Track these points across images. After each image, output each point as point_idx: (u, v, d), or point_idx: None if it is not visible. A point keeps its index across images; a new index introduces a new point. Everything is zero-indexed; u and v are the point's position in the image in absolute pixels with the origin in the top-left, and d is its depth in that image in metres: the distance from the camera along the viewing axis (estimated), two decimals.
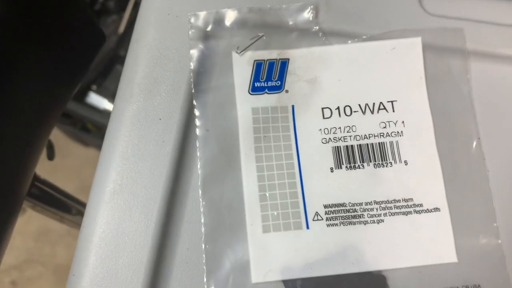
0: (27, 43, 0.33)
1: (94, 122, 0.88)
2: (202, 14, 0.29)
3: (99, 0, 0.89)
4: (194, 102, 0.28)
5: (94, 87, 0.88)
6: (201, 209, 0.27)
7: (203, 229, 0.26)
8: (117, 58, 0.87)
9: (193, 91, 0.28)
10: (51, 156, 0.47)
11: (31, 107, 0.35)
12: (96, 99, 0.88)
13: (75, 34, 0.38)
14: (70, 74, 0.39)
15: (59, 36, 0.35)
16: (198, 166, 0.27)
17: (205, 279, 0.26)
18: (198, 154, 0.27)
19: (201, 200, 0.27)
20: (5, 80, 0.32)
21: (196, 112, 0.28)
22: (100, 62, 0.86)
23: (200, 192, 0.27)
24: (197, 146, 0.28)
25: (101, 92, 0.88)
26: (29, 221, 0.99)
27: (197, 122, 0.28)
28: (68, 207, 0.51)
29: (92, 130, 0.93)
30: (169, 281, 0.26)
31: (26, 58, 0.33)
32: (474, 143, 0.28)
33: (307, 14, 0.29)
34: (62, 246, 0.98)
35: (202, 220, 0.27)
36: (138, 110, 0.28)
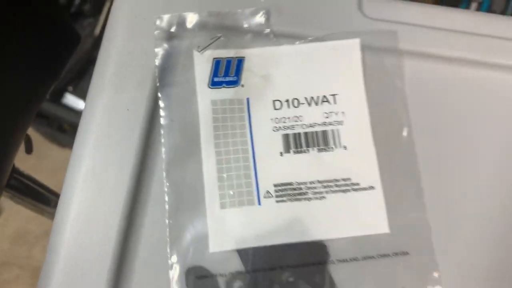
0: (4, 41, 0.36)
1: (70, 122, 0.90)
2: (167, 17, 0.32)
3: (75, 3, 0.91)
4: (159, 95, 0.31)
5: (70, 88, 0.90)
6: (165, 189, 0.30)
7: (167, 207, 0.30)
8: (93, 60, 0.88)
9: (158, 85, 0.31)
10: (29, 150, 0.50)
11: (8, 102, 0.38)
12: (72, 100, 0.90)
13: (50, 35, 0.42)
14: (46, 72, 0.42)
15: (35, 35, 0.39)
16: (163, 152, 0.31)
17: (168, 250, 0.29)
18: (162, 141, 0.31)
19: (165, 181, 0.30)
20: None
21: (161, 104, 0.31)
22: (76, 63, 0.88)
23: (164, 174, 0.30)
24: (162, 134, 0.31)
25: (77, 93, 0.89)
26: (6, 224, 1.00)
27: (162, 113, 0.31)
28: (47, 200, 0.53)
29: (68, 130, 0.95)
30: (136, 252, 0.29)
31: (3, 55, 0.36)
32: (405, 131, 0.32)
33: (260, 18, 0.33)
34: (39, 248, 0.99)
35: (166, 199, 0.30)
36: (108, 102, 0.31)
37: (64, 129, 0.95)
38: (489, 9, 0.72)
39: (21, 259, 1.00)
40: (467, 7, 0.73)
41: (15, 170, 0.46)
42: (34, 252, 0.99)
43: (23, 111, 0.40)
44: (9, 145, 0.39)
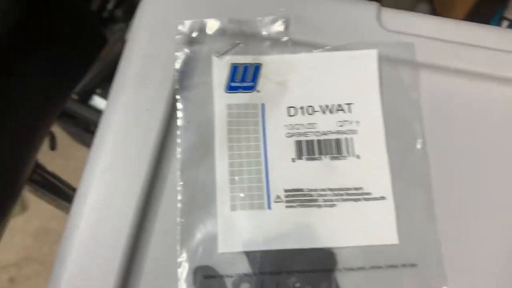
0: (35, 41, 0.38)
1: (96, 123, 0.92)
2: (188, 22, 0.34)
3: (107, 8, 0.94)
4: (177, 97, 0.32)
5: (99, 90, 0.92)
6: (179, 188, 0.31)
7: (179, 205, 0.31)
8: None
9: (177, 87, 0.33)
10: (53, 147, 0.52)
11: (33, 101, 0.39)
12: (100, 102, 0.92)
13: (77, 36, 0.43)
14: (73, 70, 0.44)
15: (63, 36, 0.40)
16: (178, 152, 0.32)
17: (178, 247, 0.30)
18: (178, 141, 0.32)
19: (179, 180, 0.31)
20: (15, 73, 0.36)
21: (179, 106, 0.32)
22: (105, 67, 0.90)
23: (178, 173, 0.31)
24: (178, 134, 0.32)
25: (105, 96, 0.91)
26: (30, 220, 1.02)
27: (179, 114, 0.32)
28: (68, 196, 0.55)
29: (94, 131, 0.96)
30: (147, 248, 0.30)
31: (34, 54, 0.38)
32: (419, 143, 0.32)
33: (279, 26, 0.34)
34: None
35: (179, 198, 0.31)
36: (129, 101, 0.32)
37: (91, 130, 0.97)
38: None
39: (42, 256, 1.02)
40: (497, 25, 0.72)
41: (39, 166, 0.48)
42: (55, 250, 1.01)
43: (46, 109, 0.41)
44: (33, 141, 0.41)
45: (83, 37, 0.45)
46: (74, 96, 0.90)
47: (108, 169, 0.31)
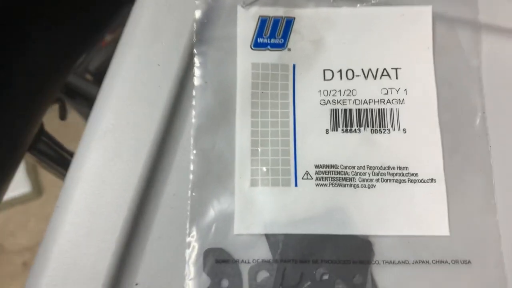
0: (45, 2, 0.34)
1: None
2: None
3: None
4: (195, 51, 0.28)
5: None
6: (191, 157, 0.27)
7: (191, 177, 0.26)
8: None
9: (194, 40, 0.28)
10: (63, 116, 0.48)
11: (43, 63, 0.36)
12: None
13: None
14: (83, 36, 0.40)
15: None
16: (192, 115, 0.27)
17: (187, 225, 0.26)
18: (193, 104, 0.27)
19: (192, 148, 0.27)
20: (23, 36, 0.33)
21: (196, 62, 0.28)
22: None
23: (192, 140, 0.27)
24: (193, 95, 0.27)
25: None
26: (45, 205, 1.01)
27: (196, 72, 0.28)
28: None
29: None
30: (151, 223, 0.26)
31: (44, 16, 0.34)
32: (478, 118, 0.27)
33: None
34: None
35: (191, 168, 0.26)
36: (138, 55, 0.28)
37: None
38: None
39: None
40: None
41: (44, 134, 0.44)
42: None
43: (53, 73, 0.38)
44: (37, 104, 0.37)
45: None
46: (89, 77, 0.88)
47: (110, 131, 0.26)
